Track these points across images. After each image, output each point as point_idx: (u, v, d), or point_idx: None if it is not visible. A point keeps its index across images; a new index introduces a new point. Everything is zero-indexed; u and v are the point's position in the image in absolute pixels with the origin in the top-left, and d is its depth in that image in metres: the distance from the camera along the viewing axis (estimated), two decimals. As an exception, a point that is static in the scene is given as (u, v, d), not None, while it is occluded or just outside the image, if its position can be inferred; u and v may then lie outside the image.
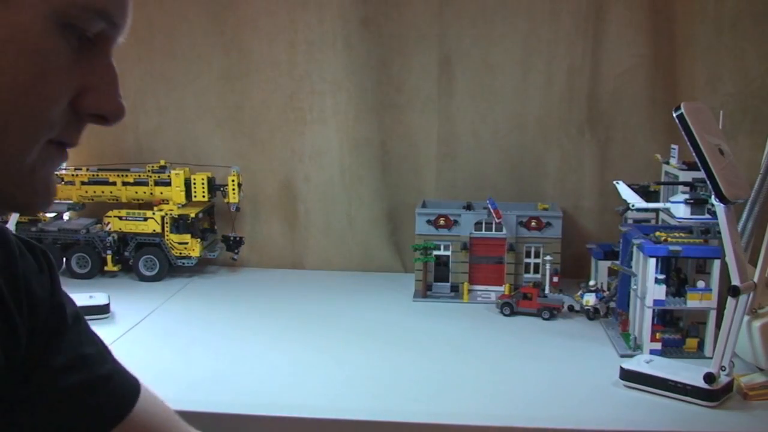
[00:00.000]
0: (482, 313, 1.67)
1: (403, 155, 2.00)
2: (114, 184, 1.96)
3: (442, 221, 1.78)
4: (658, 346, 1.38)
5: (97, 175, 1.97)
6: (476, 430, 1.13)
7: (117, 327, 1.54)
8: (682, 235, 1.43)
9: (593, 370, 1.33)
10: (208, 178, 1.94)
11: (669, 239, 1.40)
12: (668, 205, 1.56)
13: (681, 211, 1.50)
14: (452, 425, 1.13)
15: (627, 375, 1.25)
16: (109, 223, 1.91)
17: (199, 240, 1.92)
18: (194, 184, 1.94)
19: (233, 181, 1.92)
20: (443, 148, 1.99)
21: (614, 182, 1.58)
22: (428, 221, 1.79)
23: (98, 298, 1.61)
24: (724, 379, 1.18)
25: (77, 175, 1.97)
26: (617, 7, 1.86)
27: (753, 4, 1.78)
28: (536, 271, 1.79)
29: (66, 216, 2.05)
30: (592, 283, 1.66)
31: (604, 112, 1.92)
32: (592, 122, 1.92)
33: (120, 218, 1.91)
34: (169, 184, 1.93)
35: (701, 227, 1.43)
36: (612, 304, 1.61)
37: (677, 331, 1.43)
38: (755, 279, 1.20)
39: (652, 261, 1.36)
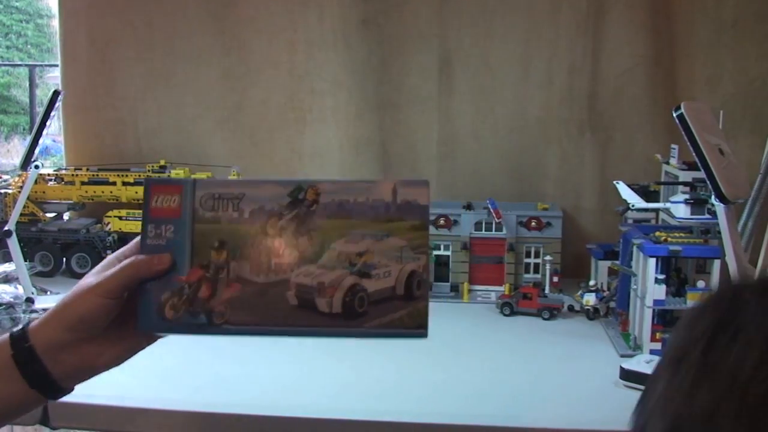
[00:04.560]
0: (482, 313, 1.67)
1: (403, 155, 2.00)
2: (114, 184, 1.96)
3: (442, 221, 1.78)
4: (658, 346, 1.38)
5: (97, 175, 1.97)
6: (476, 430, 1.13)
7: (117, 327, 1.54)
8: (682, 235, 1.43)
9: (593, 370, 1.33)
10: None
11: (669, 239, 1.40)
12: (668, 205, 1.55)
13: (681, 211, 1.50)
14: (452, 425, 1.13)
15: (627, 375, 1.25)
16: (109, 223, 1.91)
17: (199, 240, 1.92)
18: (194, 184, 1.94)
19: (233, 181, 1.92)
20: (443, 148, 1.99)
21: (614, 182, 1.58)
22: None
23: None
24: (724, 379, 1.18)
25: (77, 175, 1.97)
26: (617, 7, 1.86)
27: (753, 4, 1.78)
28: (536, 271, 1.78)
29: (66, 216, 2.05)
30: (592, 283, 1.66)
31: (604, 112, 1.92)
32: (592, 122, 1.92)
33: (120, 218, 1.91)
34: (169, 184, 1.93)
35: (701, 227, 1.43)
36: (612, 304, 1.61)
37: (677, 331, 1.42)
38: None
39: (652, 261, 1.36)
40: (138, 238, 0.79)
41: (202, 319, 0.77)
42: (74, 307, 0.74)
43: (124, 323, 0.77)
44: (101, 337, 0.76)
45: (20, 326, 0.75)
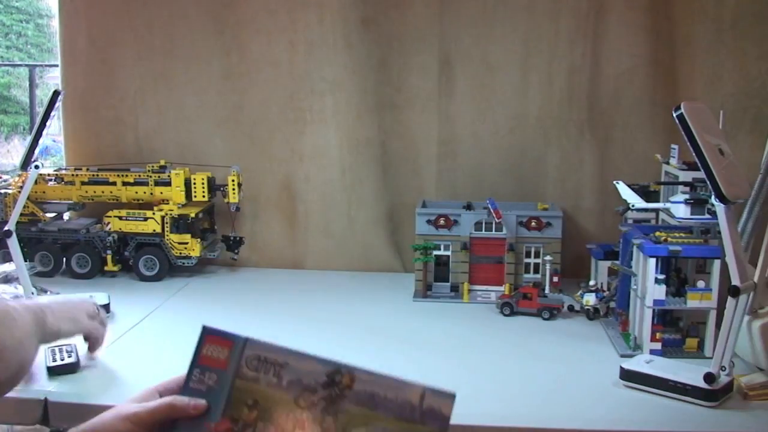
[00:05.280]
0: (482, 313, 1.67)
1: (403, 155, 2.00)
2: (114, 184, 1.96)
3: (442, 221, 1.78)
4: (658, 346, 1.38)
5: (97, 175, 1.97)
6: (476, 430, 1.13)
7: (117, 327, 1.54)
8: (682, 235, 1.43)
9: (593, 370, 1.33)
10: (208, 178, 1.94)
11: (669, 239, 1.40)
12: (668, 205, 1.56)
13: (681, 211, 1.50)
14: (451, 425, 1.13)
15: (627, 375, 1.25)
16: (109, 223, 1.91)
17: (199, 240, 1.92)
18: (194, 184, 1.94)
19: (233, 181, 1.92)
20: (443, 148, 1.99)
21: (614, 182, 1.58)
22: (428, 221, 1.79)
23: (98, 298, 1.61)
24: (724, 379, 1.18)
25: (77, 175, 1.97)
26: (617, 7, 1.86)
27: (753, 4, 1.78)
28: (536, 271, 1.79)
29: (66, 216, 2.05)
30: (592, 283, 1.66)
31: (604, 112, 1.92)
32: (592, 122, 1.92)
33: (120, 218, 1.91)
34: (169, 184, 1.93)
35: (701, 227, 1.43)
36: (612, 304, 1.61)
37: (677, 331, 1.42)
38: (755, 279, 1.20)
39: (652, 261, 1.36)
40: (181, 376, 0.87)
41: None
42: (110, 429, 0.81)
43: None
44: None
45: (61, 429, 0.83)
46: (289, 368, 0.84)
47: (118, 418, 0.81)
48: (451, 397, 0.84)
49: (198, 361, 0.86)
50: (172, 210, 1.90)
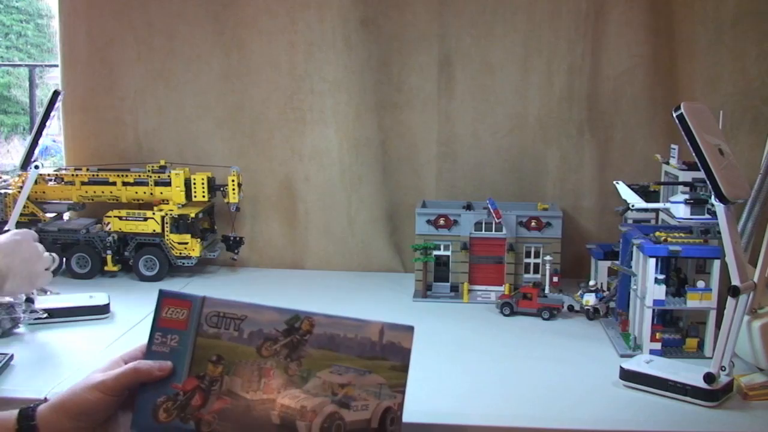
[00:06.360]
0: (482, 313, 1.67)
1: (403, 155, 2.00)
2: (114, 184, 1.96)
3: (442, 221, 1.78)
4: (658, 346, 1.38)
5: (97, 175, 1.97)
6: (475, 430, 1.13)
7: (117, 327, 1.54)
8: (682, 235, 1.43)
9: (593, 370, 1.33)
10: (208, 178, 1.94)
11: (669, 239, 1.40)
12: (668, 205, 1.56)
13: (681, 211, 1.50)
14: (451, 425, 1.13)
15: (627, 375, 1.25)
16: (109, 223, 1.91)
17: (199, 240, 1.92)
18: (194, 184, 1.94)
19: (233, 181, 1.92)
20: (443, 148, 1.99)
21: (614, 182, 1.58)
22: (428, 221, 1.79)
23: (98, 298, 1.61)
24: (724, 379, 1.18)
25: (77, 175, 1.97)
26: (617, 7, 1.86)
27: (753, 4, 1.79)
28: (536, 271, 1.79)
29: (66, 216, 2.05)
30: (592, 283, 1.66)
31: (604, 112, 1.92)
32: (592, 122, 1.92)
33: (120, 218, 1.91)
34: (169, 184, 1.93)
35: (701, 227, 1.43)
36: (612, 304, 1.61)
37: (677, 331, 1.43)
38: (755, 279, 1.20)
39: (652, 261, 1.36)
40: (145, 344, 0.88)
41: (190, 425, 0.83)
42: (78, 400, 0.82)
43: (123, 417, 0.85)
44: (100, 428, 0.83)
45: (33, 405, 0.84)
46: (248, 321, 0.86)
47: (86, 388, 0.83)
48: (410, 329, 0.87)
49: (158, 324, 0.88)
50: (172, 210, 1.90)
